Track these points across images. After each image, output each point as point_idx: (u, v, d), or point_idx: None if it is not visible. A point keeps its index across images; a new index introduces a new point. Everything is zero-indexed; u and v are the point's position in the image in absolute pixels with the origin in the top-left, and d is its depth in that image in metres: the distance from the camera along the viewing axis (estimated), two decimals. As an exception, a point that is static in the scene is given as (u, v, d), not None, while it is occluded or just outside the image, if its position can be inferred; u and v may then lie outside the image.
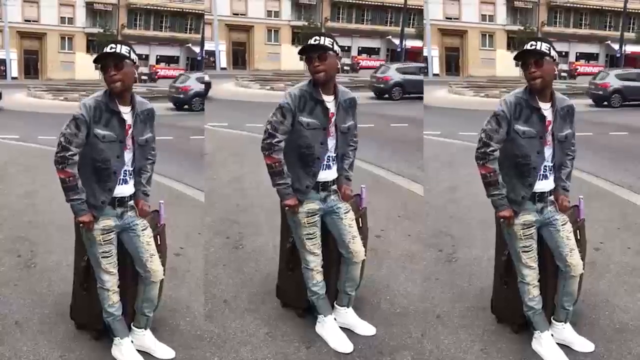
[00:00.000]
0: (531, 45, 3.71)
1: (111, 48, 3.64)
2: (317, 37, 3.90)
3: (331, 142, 4.01)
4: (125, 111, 3.70)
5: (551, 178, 3.84)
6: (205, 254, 5.55)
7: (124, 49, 3.64)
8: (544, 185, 3.82)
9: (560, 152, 3.83)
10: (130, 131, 3.72)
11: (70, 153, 3.60)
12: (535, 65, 3.68)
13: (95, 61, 3.66)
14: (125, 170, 3.75)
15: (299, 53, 3.94)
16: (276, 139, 3.91)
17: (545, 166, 3.80)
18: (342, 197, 4.12)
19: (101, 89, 3.77)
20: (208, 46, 32.64)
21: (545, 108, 3.75)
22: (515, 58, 3.76)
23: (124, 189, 3.76)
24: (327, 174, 4.05)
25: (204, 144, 10.81)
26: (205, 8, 33.58)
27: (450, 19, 33.72)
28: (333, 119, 3.99)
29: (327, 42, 3.88)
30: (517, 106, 3.74)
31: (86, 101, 3.67)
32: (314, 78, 3.91)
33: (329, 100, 3.96)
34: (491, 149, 3.75)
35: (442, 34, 33.20)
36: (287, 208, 4.06)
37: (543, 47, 3.67)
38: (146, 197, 3.89)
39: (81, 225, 3.74)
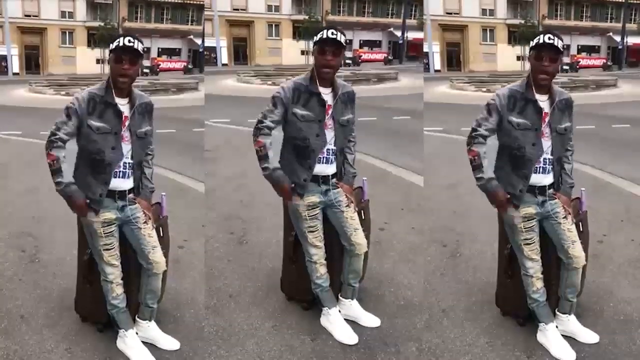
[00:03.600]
0: (549, 39, 3.61)
1: (129, 42, 3.58)
2: (334, 31, 3.83)
3: (330, 135, 3.98)
4: (122, 103, 3.68)
5: (552, 171, 3.82)
6: (210, 250, 5.56)
7: (140, 46, 3.61)
8: (544, 178, 3.81)
9: (560, 145, 3.82)
10: (127, 123, 3.69)
11: (56, 137, 3.60)
12: (550, 61, 3.64)
13: (112, 51, 3.59)
14: (125, 163, 3.73)
15: (317, 43, 3.82)
16: (263, 124, 3.90)
17: (545, 159, 3.79)
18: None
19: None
20: (208, 42, 32.56)
21: (542, 100, 3.73)
22: (532, 49, 3.65)
23: (124, 182, 3.75)
24: (328, 168, 4.04)
25: (205, 139, 10.79)
26: (205, 3, 33.48)
27: (451, 13, 33.59)
28: (330, 112, 3.96)
29: (341, 38, 3.83)
30: (510, 98, 3.73)
31: (79, 94, 3.67)
32: (321, 72, 3.87)
33: (325, 93, 3.94)
34: (477, 132, 3.75)
35: (442, 29, 33.07)
36: (281, 195, 4.04)
37: (559, 44, 3.61)
38: (150, 195, 3.87)
39: (74, 211, 3.71)
